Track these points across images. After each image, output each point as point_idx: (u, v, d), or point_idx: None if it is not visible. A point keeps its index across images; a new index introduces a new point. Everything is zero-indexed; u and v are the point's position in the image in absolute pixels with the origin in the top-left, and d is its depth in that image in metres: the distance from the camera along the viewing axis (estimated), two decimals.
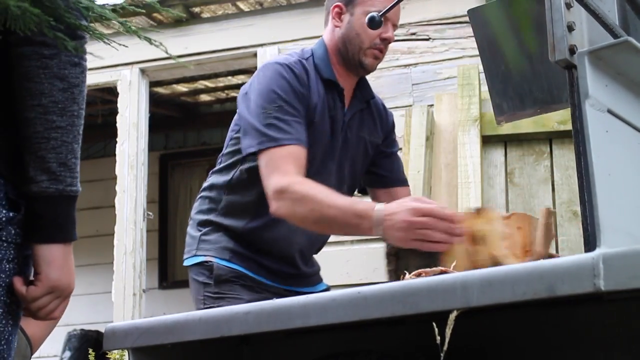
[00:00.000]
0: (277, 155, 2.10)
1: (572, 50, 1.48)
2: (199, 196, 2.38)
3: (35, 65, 1.32)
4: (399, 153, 2.53)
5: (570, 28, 1.50)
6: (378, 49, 2.24)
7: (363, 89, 2.36)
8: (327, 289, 2.42)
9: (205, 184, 2.38)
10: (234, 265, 2.23)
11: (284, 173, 2.08)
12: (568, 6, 1.51)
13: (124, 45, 1.42)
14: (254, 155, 2.15)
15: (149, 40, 1.39)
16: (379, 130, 2.40)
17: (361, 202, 2.01)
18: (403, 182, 2.47)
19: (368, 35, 2.21)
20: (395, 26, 2.27)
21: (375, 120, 2.39)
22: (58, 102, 1.33)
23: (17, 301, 1.37)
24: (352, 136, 2.32)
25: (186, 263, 2.32)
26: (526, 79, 1.90)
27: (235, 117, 2.31)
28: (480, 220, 1.71)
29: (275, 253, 2.27)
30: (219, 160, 2.35)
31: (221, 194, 2.29)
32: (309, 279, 2.40)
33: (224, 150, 2.33)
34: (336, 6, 2.27)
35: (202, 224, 2.31)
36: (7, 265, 1.34)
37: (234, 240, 2.25)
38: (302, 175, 2.09)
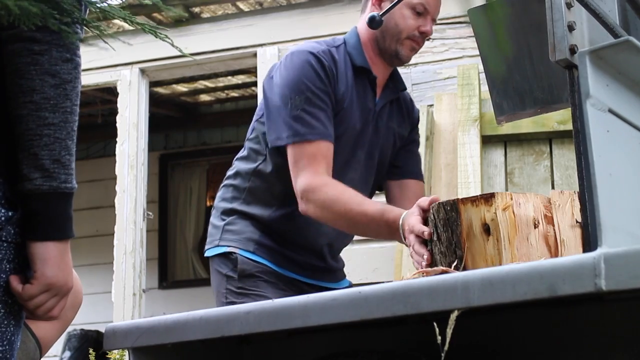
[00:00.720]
0: (306, 152, 2.09)
1: (572, 50, 1.48)
2: (222, 184, 2.35)
3: (26, 62, 1.31)
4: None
5: (570, 28, 1.49)
6: (415, 41, 2.23)
7: (396, 80, 2.35)
8: (350, 285, 2.38)
9: (229, 172, 2.34)
10: (259, 257, 2.19)
11: (314, 173, 2.08)
12: (568, 6, 1.51)
13: (127, 43, 1.40)
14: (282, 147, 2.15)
15: (154, 34, 1.37)
16: (407, 123, 2.40)
17: (391, 211, 1.99)
18: (416, 175, 2.44)
19: (407, 26, 2.19)
20: (434, 20, 2.25)
21: (403, 112, 2.39)
22: (50, 98, 1.32)
23: (18, 301, 1.36)
24: (382, 126, 2.30)
25: (208, 254, 2.28)
26: (526, 78, 1.89)
27: (261, 101, 2.28)
28: (491, 209, 1.60)
29: (303, 244, 2.23)
30: (244, 146, 2.33)
31: (245, 182, 2.26)
32: (335, 273, 2.36)
33: (249, 135, 2.30)
34: None
35: (225, 212, 2.27)
36: (8, 265, 1.34)
37: (260, 230, 2.21)
38: (330, 173, 2.11)
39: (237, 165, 2.31)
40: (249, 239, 2.21)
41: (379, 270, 3.87)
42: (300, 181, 2.09)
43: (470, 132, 3.70)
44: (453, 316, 1.16)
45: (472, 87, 3.81)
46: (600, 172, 1.24)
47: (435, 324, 1.20)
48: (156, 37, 1.39)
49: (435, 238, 1.68)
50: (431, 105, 4.01)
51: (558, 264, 1.13)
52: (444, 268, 1.58)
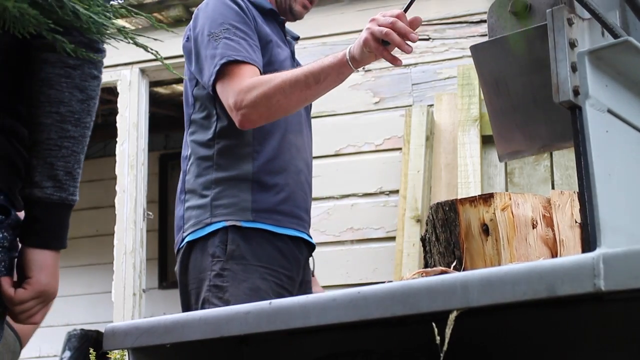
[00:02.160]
0: (231, 71, 2.09)
1: (576, 92, 1.45)
2: (187, 167, 2.27)
3: (58, 74, 1.33)
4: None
5: (574, 68, 1.47)
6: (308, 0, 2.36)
7: (289, 30, 2.45)
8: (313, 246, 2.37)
9: (185, 152, 2.28)
10: (260, 224, 2.12)
11: (240, 83, 2.07)
12: (572, 45, 1.49)
13: (129, 41, 1.41)
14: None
15: (145, 48, 1.39)
16: None
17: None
18: None
19: None
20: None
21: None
22: (75, 112, 1.34)
23: (2, 303, 1.37)
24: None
25: (197, 235, 2.15)
26: (530, 116, 1.86)
27: (188, 69, 2.27)
28: (490, 209, 1.61)
29: (291, 187, 2.20)
30: (190, 123, 2.28)
31: (211, 149, 2.20)
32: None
33: (192, 110, 2.27)
34: None
35: (206, 187, 2.18)
36: None
37: (250, 191, 2.15)
38: None
39: (192, 140, 2.26)
40: (245, 209, 2.13)
41: (379, 270, 3.87)
42: (230, 97, 2.07)
43: (470, 132, 3.70)
44: (452, 316, 1.16)
45: (472, 87, 3.81)
46: (600, 172, 1.24)
47: (434, 324, 1.20)
48: (146, 51, 1.40)
49: (434, 239, 1.69)
50: (431, 105, 4.01)
51: (557, 264, 1.13)
52: (444, 268, 1.59)
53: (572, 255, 1.14)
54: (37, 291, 1.36)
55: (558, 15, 1.54)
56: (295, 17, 2.36)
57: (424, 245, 1.75)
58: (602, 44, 1.35)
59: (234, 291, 2.07)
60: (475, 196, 1.63)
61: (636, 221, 1.33)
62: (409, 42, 1.91)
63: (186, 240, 2.20)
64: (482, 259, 1.61)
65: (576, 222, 1.64)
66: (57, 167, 1.34)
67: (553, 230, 1.63)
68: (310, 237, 2.29)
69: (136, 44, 1.37)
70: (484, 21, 4.15)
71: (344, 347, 1.57)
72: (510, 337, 1.54)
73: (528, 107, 1.84)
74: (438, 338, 1.17)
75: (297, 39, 2.49)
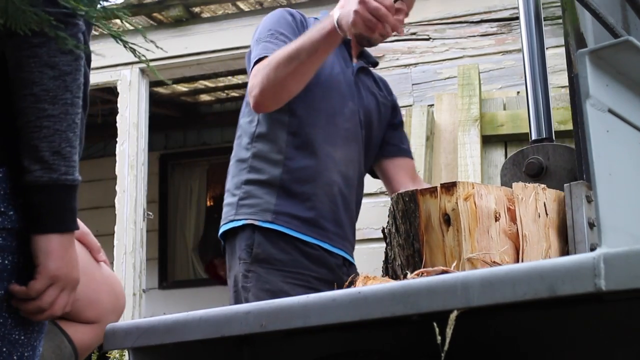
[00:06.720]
0: (257, 67, 2.19)
1: (592, 249, 1.41)
2: (230, 169, 2.38)
3: (25, 55, 1.31)
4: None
5: (591, 225, 1.41)
6: None
7: (367, 55, 2.51)
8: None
9: (231, 156, 2.39)
10: (278, 226, 2.19)
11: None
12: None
13: (132, 45, 1.40)
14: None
15: (133, 52, 1.38)
16: (387, 96, 2.52)
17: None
18: (408, 153, 2.54)
19: None
20: (407, 15, 2.39)
21: (380, 86, 2.52)
22: (49, 90, 1.32)
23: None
24: (363, 87, 2.42)
25: (222, 229, 2.27)
26: None
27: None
28: (452, 198, 1.53)
29: (319, 197, 2.24)
30: (239, 127, 2.40)
31: (248, 151, 2.31)
32: (352, 247, 2.38)
33: (241, 115, 2.40)
34: None
35: (237, 187, 2.29)
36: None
37: (275, 196, 2.23)
38: None
39: (237, 143, 2.38)
40: (266, 210, 2.21)
41: (379, 270, 3.86)
42: (249, 90, 2.20)
43: (471, 132, 3.70)
44: (453, 316, 1.16)
45: (473, 87, 3.81)
46: (600, 172, 1.24)
47: (435, 324, 1.20)
48: (125, 47, 1.39)
49: (394, 230, 1.65)
50: (431, 105, 4.01)
51: (558, 264, 1.13)
52: (444, 268, 1.58)
53: (573, 255, 1.14)
54: (47, 278, 1.34)
55: (576, 192, 1.48)
56: (371, 44, 2.36)
57: (384, 237, 1.71)
58: (603, 44, 1.35)
59: (256, 292, 2.14)
60: (436, 186, 1.56)
61: (636, 221, 1.33)
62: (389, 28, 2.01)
63: (220, 231, 2.31)
64: (441, 252, 1.55)
65: (539, 216, 1.59)
66: (41, 149, 1.31)
67: (516, 224, 1.59)
68: (335, 247, 2.29)
69: (125, 44, 1.35)
70: (484, 21, 4.15)
71: (344, 347, 1.57)
72: (510, 337, 1.53)
73: None
74: (439, 338, 1.17)
75: (374, 64, 2.54)
